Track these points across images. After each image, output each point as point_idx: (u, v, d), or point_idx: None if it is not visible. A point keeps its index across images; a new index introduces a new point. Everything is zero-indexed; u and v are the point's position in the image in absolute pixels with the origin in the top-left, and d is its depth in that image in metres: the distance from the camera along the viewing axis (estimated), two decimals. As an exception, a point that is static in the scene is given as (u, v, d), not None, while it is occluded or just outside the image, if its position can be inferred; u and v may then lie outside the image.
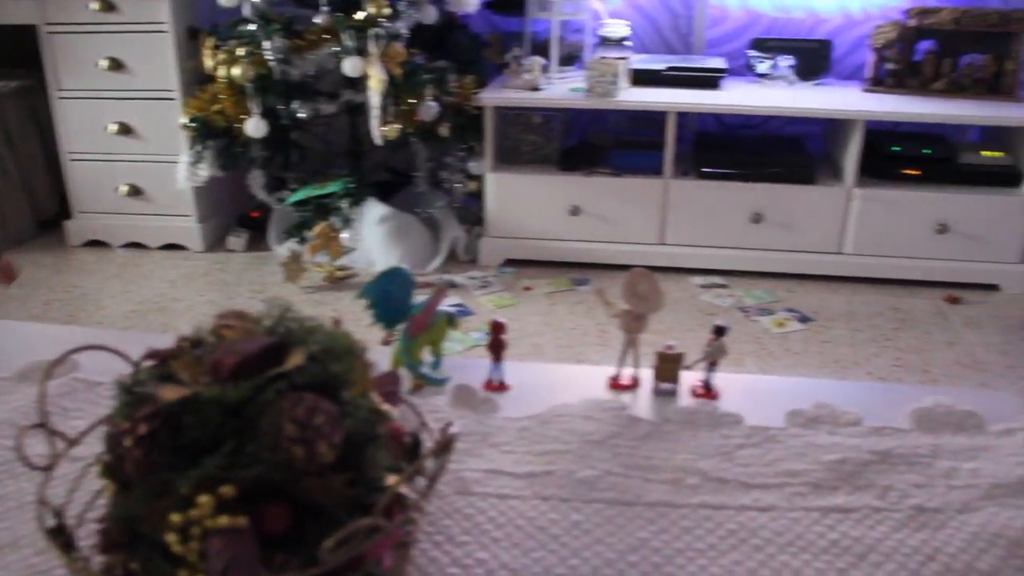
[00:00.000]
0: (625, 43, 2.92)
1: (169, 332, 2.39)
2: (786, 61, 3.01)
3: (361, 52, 2.57)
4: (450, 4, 2.85)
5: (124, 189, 2.99)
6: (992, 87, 2.89)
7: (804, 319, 2.57)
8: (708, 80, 2.91)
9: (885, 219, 2.76)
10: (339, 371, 0.73)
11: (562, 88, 2.85)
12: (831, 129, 3.06)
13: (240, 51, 2.63)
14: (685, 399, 1.12)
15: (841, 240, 2.80)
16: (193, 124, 2.73)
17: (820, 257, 2.82)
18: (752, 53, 3.08)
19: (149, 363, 0.78)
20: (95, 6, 2.76)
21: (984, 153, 2.81)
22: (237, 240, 3.06)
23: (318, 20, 2.67)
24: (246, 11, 2.71)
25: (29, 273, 2.84)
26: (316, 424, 0.68)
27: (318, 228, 2.70)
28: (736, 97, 2.83)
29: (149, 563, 0.67)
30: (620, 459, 0.98)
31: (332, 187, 2.77)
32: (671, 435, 1.04)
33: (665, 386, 1.13)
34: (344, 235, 2.71)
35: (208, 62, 2.73)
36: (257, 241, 3.07)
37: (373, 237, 2.80)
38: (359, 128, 2.94)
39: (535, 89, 2.80)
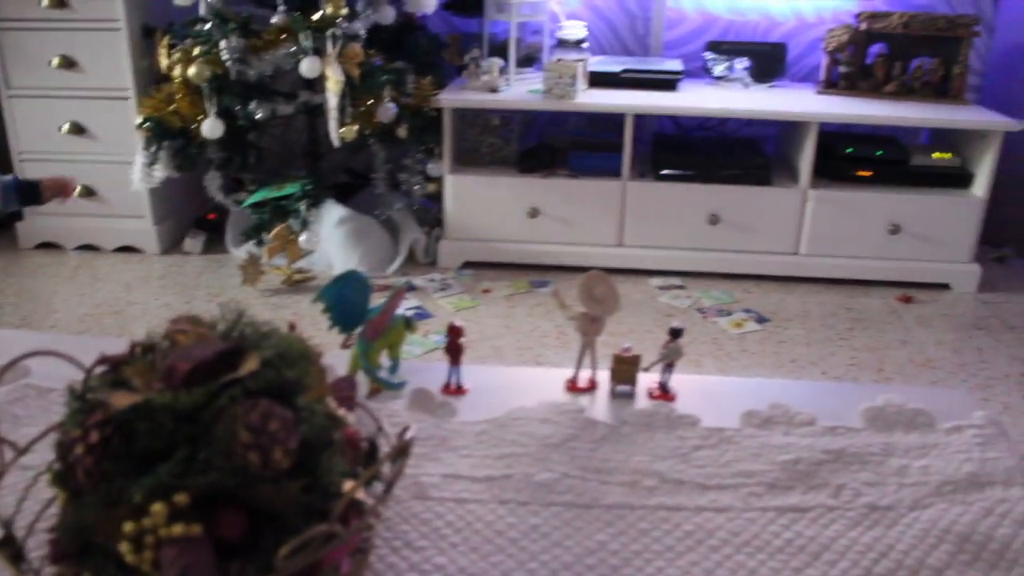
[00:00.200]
0: (583, 45, 2.94)
1: (124, 336, 2.36)
2: (742, 63, 3.04)
3: (318, 52, 2.55)
4: (408, 5, 2.84)
5: (78, 190, 2.93)
6: (940, 90, 2.95)
7: (761, 319, 2.60)
8: (665, 82, 2.93)
9: (839, 220, 2.81)
10: (294, 376, 0.73)
11: (520, 90, 2.85)
12: (786, 131, 3.10)
13: (196, 50, 2.60)
14: (642, 401, 1.12)
15: (797, 241, 2.84)
16: (148, 124, 2.69)
17: (776, 258, 2.86)
18: (708, 55, 3.11)
19: (101, 369, 0.77)
20: (46, 2, 2.71)
21: (935, 155, 2.87)
22: (194, 242, 3.02)
23: (275, 20, 2.64)
24: (202, 10, 2.68)
25: (-22, 276, 2.78)
26: (271, 430, 0.67)
27: (276, 230, 2.68)
28: (693, 99, 2.85)
29: (101, 573, 0.66)
30: (578, 462, 0.99)
31: (290, 189, 2.74)
32: (628, 437, 1.04)
33: (622, 388, 1.13)
34: (302, 237, 2.69)
35: (163, 61, 2.69)
36: (214, 243, 3.04)
37: (331, 239, 2.78)
38: (317, 129, 2.92)
39: (493, 91, 2.81)
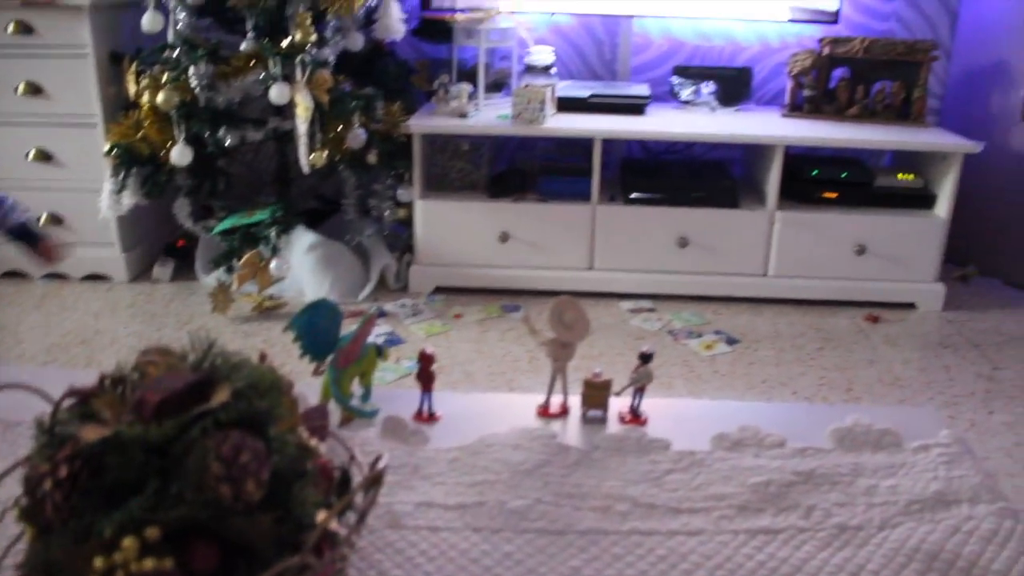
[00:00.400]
0: (551, 70, 2.96)
1: (92, 366, 2.34)
2: (708, 88, 3.08)
3: (288, 79, 2.56)
4: (377, 31, 2.85)
5: (44, 218, 2.91)
6: (902, 113, 3.01)
7: (731, 341, 2.62)
8: (633, 107, 2.96)
9: (806, 241, 2.84)
10: (265, 407, 0.73)
11: (489, 115, 2.87)
12: (752, 154, 3.14)
13: (164, 77, 2.59)
14: (614, 426, 1.13)
15: (765, 262, 2.87)
16: (116, 151, 2.67)
17: (745, 279, 2.89)
18: (675, 80, 3.15)
19: (69, 402, 0.76)
20: (11, 28, 2.69)
21: (898, 176, 2.91)
22: (163, 270, 3.00)
23: (244, 47, 2.64)
24: (170, 37, 2.68)
25: (-58, 306, 2.74)
26: (243, 462, 0.67)
27: (246, 257, 2.67)
28: (660, 123, 2.88)
29: (70, 610, 0.66)
30: (550, 488, 0.99)
31: (260, 215, 2.73)
32: (600, 462, 1.05)
33: (593, 413, 1.14)
34: (272, 264, 2.68)
35: (131, 88, 2.68)
36: (184, 271, 3.01)
37: (302, 266, 2.77)
38: (286, 155, 2.92)
39: (463, 116, 2.82)
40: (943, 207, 2.82)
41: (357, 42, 2.78)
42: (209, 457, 0.66)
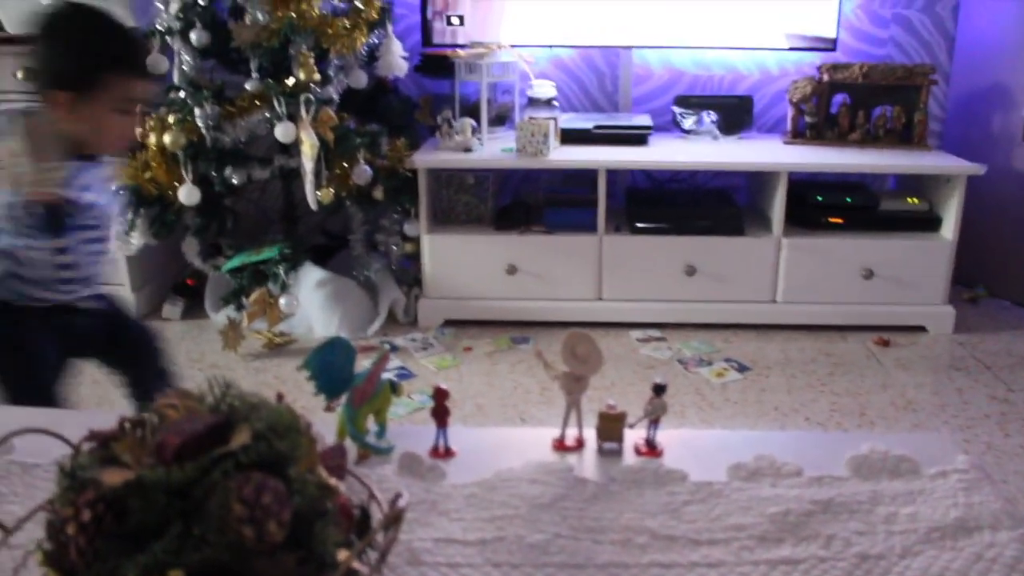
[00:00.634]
0: (553, 103, 2.98)
1: (104, 405, 2.33)
2: (710, 117, 3.10)
3: (292, 118, 2.58)
4: (380, 68, 2.88)
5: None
6: (903, 137, 3.02)
7: (742, 368, 2.61)
8: (636, 137, 2.98)
9: (813, 267, 2.84)
10: (285, 448, 0.73)
11: (493, 149, 2.89)
12: (756, 181, 3.16)
13: (171, 118, 2.62)
14: (629, 457, 1.13)
15: (773, 289, 2.87)
16: (124, 192, 2.69)
17: (754, 306, 2.89)
18: (677, 110, 3.17)
19: (89, 445, 0.77)
20: (21, 74, 2.72)
21: (903, 200, 2.92)
22: (173, 308, 3.01)
23: (249, 87, 2.67)
24: (176, 78, 2.71)
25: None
26: (264, 503, 0.67)
27: (255, 294, 2.68)
28: (664, 153, 2.90)
29: (95, 656, 0.65)
30: (569, 522, 0.99)
31: (268, 253, 2.75)
32: (618, 495, 1.04)
33: (609, 445, 1.14)
34: (282, 301, 2.69)
35: (138, 129, 2.71)
36: (194, 309, 3.02)
37: (311, 302, 2.78)
38: (293, 193, 2.94)
39: (467, 150, 2.84)
40: (949, 229, 2.83)
41: (360, 79, 2.81)
42: (231, 499, 0.67)
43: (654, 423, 1.14)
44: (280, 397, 0.84)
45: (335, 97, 2.73)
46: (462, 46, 3.00)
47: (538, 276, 2.86)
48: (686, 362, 2.65)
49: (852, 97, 3.07)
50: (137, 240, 2.74)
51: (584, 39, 3.14)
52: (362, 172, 2.71)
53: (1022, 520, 1.02)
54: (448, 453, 1.11)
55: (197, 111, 2.60)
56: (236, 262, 2.76)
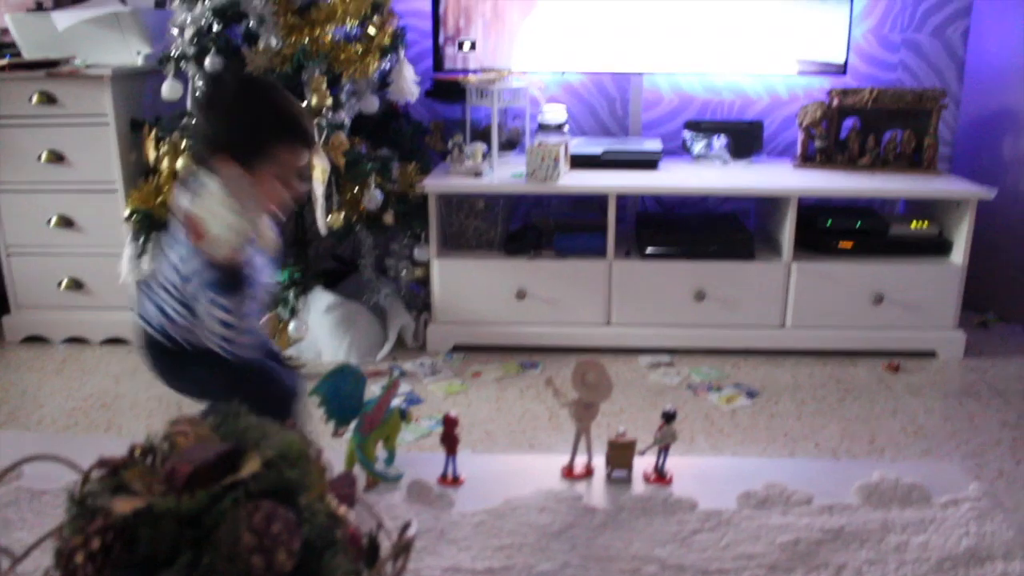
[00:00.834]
0: (563, 128, 2.99)
1: (113, 430, 2.34)
2: (720, 141, 3.11)
3: (305, 143, 2.59)
4: (391, 94, 2.90)
5: (65, 283, 2.94)
6: (913, 161, 3.02)
7: (751, 394, 2.60)
8: (646, 162, 2.99)
9: (823, 292, 2.84)
10: (295, 476, 0.73)
11: (504, 173, 2.90)
12: (766, 205, 3.16)
13: (183, 143, 2.64)
14: (639, 485, 1.13)
15: (783, 314, 2.87)
16: (136, 216, 2.71)
17: (763, 332, 2.88)
18: (687, 134, 3.18)
19: (99, 472, 0.77)
20: (36, 99, 2.76)
21: (913, 224, 2.92)
22: (181, 332, 3.02)
23: (261, 112, 2.69)
24: (189, 104, 2.73)
25: (-36, 373, 2.76)
26: (274, 532, 0.67)
27: (264, 319, 2.68)
28: (674, 178, 2.90)
29: None
30: (578, 550, 0.98)
31: (278, 277, 2.76)
32: (627, 523, 1.04)
33: (618, 473, 1.14)
34: (291, 325, 2.69)
35: (151, 154, 2.73)
36: (202, 332, 3.03)
37: (320, 326, 2.78)
38: (304, 217, 2.95)
39: (477, 175, 2.85)
40: (959, 254, 2.82)
41: (372, 105, 2.83)
42: (241, 528, 0.67)
43: (664, 451, 1.14)
44: (291, 424, 0.85)
45: (347, 122, 2.74)
46: (473, 71, 3.02)
47: (547, 301, 2.86)
48: (695, 387, 2.64)
49: (862, 121, 3.07)
50: (148, 264, 2.75)
51: (594, 65, 3.16)
52: (373, 197, 2.72)
53: (1035, 551, 1.01)
54: (457, 481, 1.12)
55: (209, 136, 2.62)
56: (246, 286, 2.77)
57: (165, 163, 2.67)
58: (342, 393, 1.05)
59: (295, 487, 0.72)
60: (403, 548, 0.74)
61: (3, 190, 2.88)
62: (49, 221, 2.89)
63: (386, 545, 0.83)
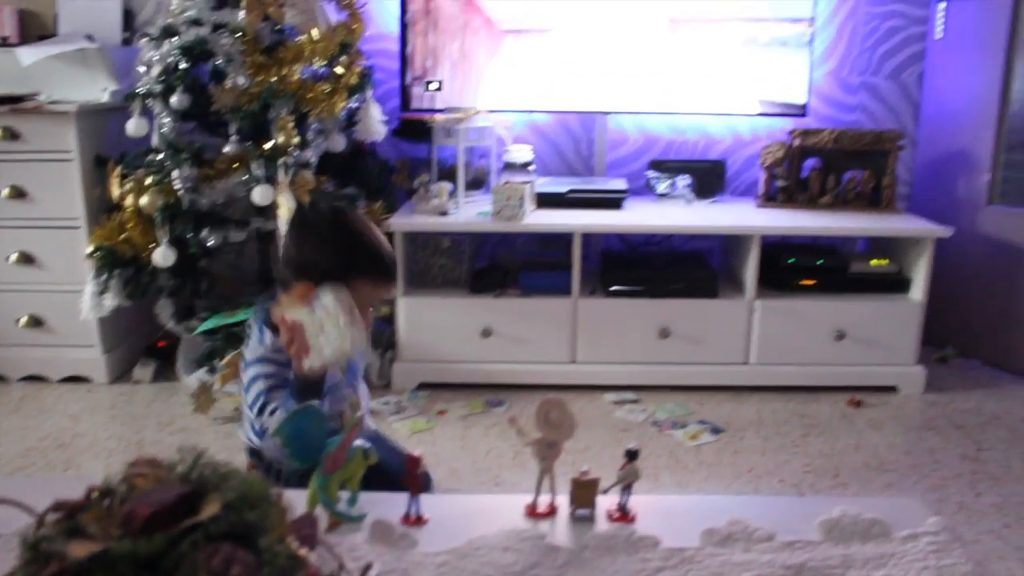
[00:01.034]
0: (529, 167, 3.02)
1: (71, 469, 2.30)
2: (684, 181, 3.15)
3: (271, 181, 2.60)
4: (358, 133, 2.91)
5: (25, 320, 2.90)
6: (873, 200, 3.09)
7: (716, 430, 2.62)
8: (611, 201, 3.02)
9: (786, 328, 2.87)
10: (255, 518, 0.72)
11: (470, 212, 2.91)
12: (729, 244, 3.20)
13: (148, 180, 2.62)
14: (602, 524, 1.13)
15: (746, 351, 2.89)
16: (99, 253, 2.68)
17: (727, 368, 2.90)
18: (651, 174, 3.22)
19: (54, 516, 0.76)
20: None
21: (873, 262, 2.97)
22: (144, 371, 2.98)
23: (227, 149, 2.69)
24: (155, 140, 2.72)
25: (-81, 413, 2.70)
26: (233, 575, 0.67)
27: (229, 357, 2.66)
28: (638, 216, 2.94)
29: None
30: (541, 589, 0.98)
31: (242, 315, 2.73)
32: (590, 562, 1.04)
33: (582, 512, 1.14)
34: (255, 362, 2.67)
35: (115, 190, 2.71)
36: (165, 371, 3.00)
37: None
38: (269, 255, 2.94)
39: (443, 214, 2.86)
40: (918, 291, 2.87)
41: (339, 143, 2.84)
42: (199, 570, 0.66)
43: (627, 489, 1.14)
44: (251, 467, 0.84)
45: (313, 160, 2.75)
46: (440, 111, 3.04)
47: (513, 339, 2.87)
48: (660, 424, 2.65)
49: (823, 161, 3.13)
50: (110, 302, 2.72)
51: (560, 105, 3.20)
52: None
53: (991, 586, 1.02)
54: (420, 521, 1.11)
55: (175, 173, 2.61)
56: (210, 324, 2.75)
57: (129, 200, 2.65)
58: (305, 434, 1.04)
59: (255, 529, 0.72)
60: (364, 590, 0.73)
61: (-37, 227, 2.85)
62: (8, 258, 2.85)
63: (347, 587, 0.82)
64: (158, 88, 2.68)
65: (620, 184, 3.11)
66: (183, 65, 2.70)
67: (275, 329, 1.61)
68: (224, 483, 0.75)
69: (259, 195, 2.58)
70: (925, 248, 2.84)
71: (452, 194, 2.93)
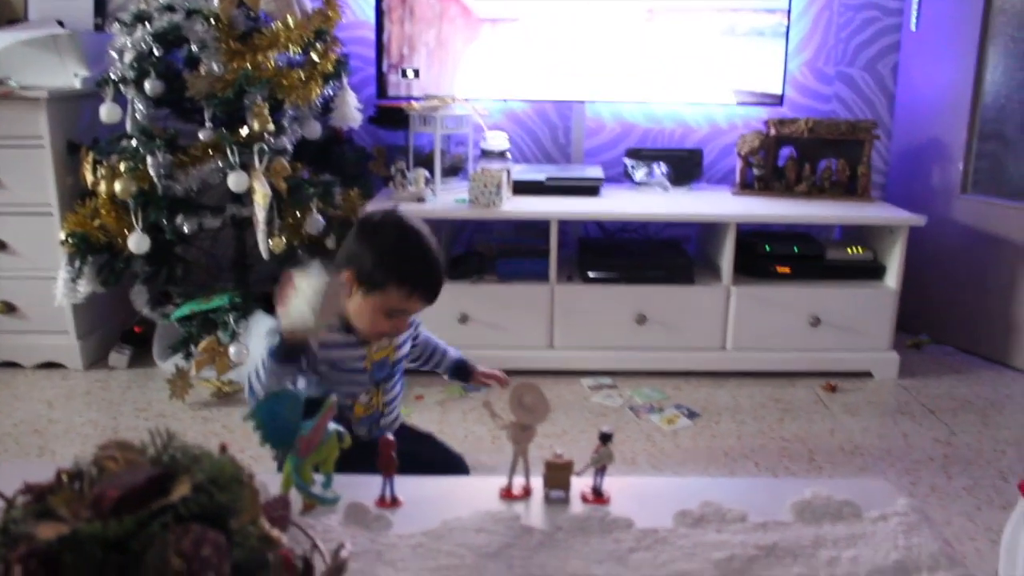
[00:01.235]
0: (506, 155, 3.02)
1: (46, 456, 2.29)
2: (660, 169, 3.16)
3: (245, 167, 2.58)
4: (334, 119, 2.90)
5: (-2, 308, 2.88)
6: (848, 189, 3.11)
7: (692, 415, 2.63)
8: (588, 188, 3.03)
9: (762, 315, 2.89)
10: (226, 500, 0.72)
11: (446, 199, 2.91)
12: (706, 231, 3.21)
13: (122, 166, 2.60)
14: (576, 505, 1.13)
15: (723, 336, 2.91)
16: (72, 239, 2.66)
17: (704, 354, 2.92)
18: (628, 162, 3.23)
19: (24, 498, 0.75)
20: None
21: (849, 249, 2.99)
22: (119, 357, 2.96)
23: (202, 136, 2.67)
24: (128, 127, 2.70)
25: None
26: (203, 556, 0.67)
27: (204, 343, 2.65)
28: (615, 204, 2.94)
29: None
30: (515, 570, 0.99)
31: (218, 301, 2.72)
32: (564, 543, 1.05)
33: (556, 494, 1.14)
34: (231, 349, 2.66)
35: (88, 177, 2.69)
36: (141, 357, 2.98)
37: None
38: (245, 241, 2.92)
39: (420, 201, 2.86)
40: (893, 278, 2.90)
41: (314, 130, 2.82)
42: (169, 552, 0.66)
43: (601, 471, 1.15)
44: (223, 448, 0.84)
45: (289, 147, 2.73)
46: (417, 98, 3.03)
47: (490, 325, 2.87)
48: (637, 409, 2.67)
49: (798, 150, 3.15)
50: (84, 288, 2.70)
51: (537, 93, 3.20)
52: (315, 222, 2.71)
53: (959, 561, 1.04)
54: (395, 503, 1.11)
55: (149, 159, 2.58)
56: (185, 310, 2.74)
57: (102, 186, 2.63)
58: (279, 417, 1.04)
59: (226, 510, 0.72)
60: (336, 569, 0.73)
61: (-67, 214, 2.81)
62: (-20, 245, 2.82)
63: (320, 567, 0.82)
64: (131, 74, 2.65)
65: (597, 172, 3.12)
66: (156, 52, 2.67)
67: None
68: (195, 465, 0.75)
69: (234, 182, 2.57)
70: (900, 236, 2.86)
71: (429, 181, 2.93)
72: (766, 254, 2.99)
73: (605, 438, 1.13)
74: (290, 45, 2.71)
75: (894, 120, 3.43)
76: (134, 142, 2.65)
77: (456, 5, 3.11)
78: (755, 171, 3.15)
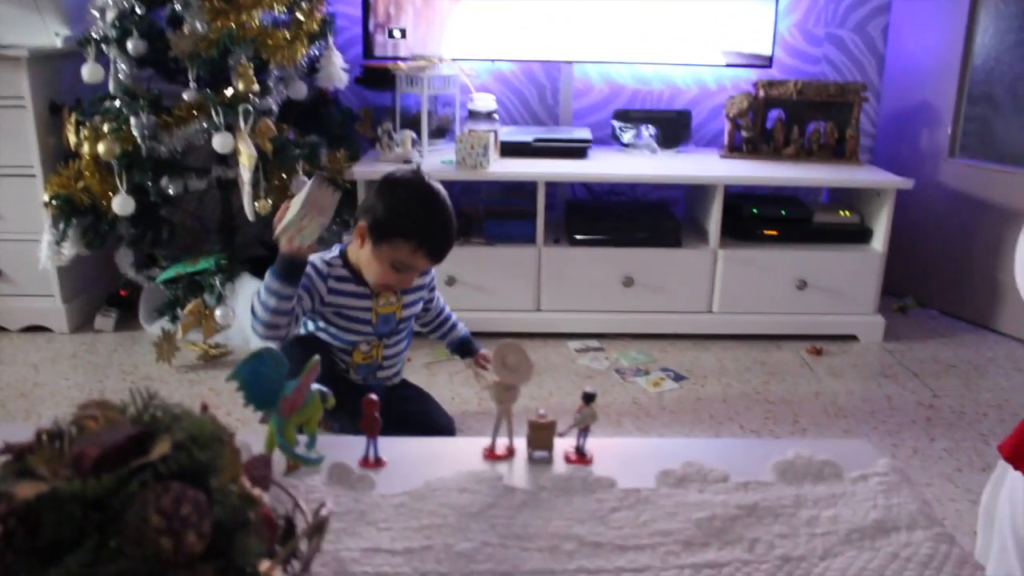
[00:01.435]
0: (493, 116, 3.00)
1: (32, 419, 2.29)
2: (648, 131, 3.14)
3: (230, 128, 2.56)
4: (320, 80, 2.87)
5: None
6: (836, 152, 3.10)
7: (678, 378, 2.65)
8: (575, 150, 3.01)
9: (749, 278, 2.89)
10: (206, 458, 0.72)
11: (433, 160, 2.89)
12: (693, 194, 3.21)
13: (106, 127, 2.57)
14: (559, 466, 1.14)
15: (709, 299, 2.92)
16: (56, 202, 2.64)
17: (690, 317, 2.93)
18: (616, 123, 3.21)
19: (3, 458, 0.75)
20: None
21: (836, 213, 2.99)
22: (105, 320, 2.95)
23: (186, 96, 2.64)
24: (111, 87, 2.67)
25: None
26: (183, 514, 0.67)
27: (190, 306, 2.64)
28: (603, 166, 2.93)
29: (6, 672, 0.64)
30: (497, 530, 0.99)
31: (204, 264, 2.71)
32: (546, 503, 1.05)
33: (539, 454, 1.15)
34: (217, 312, 2.65)
35: (71, 138, 2.66)
36: (127, 320, 2.97)
37: (248, 313, 2.74)
38: (231, 203, 2.91)
39: (407, 162, 2.84)
40: (879, 241, 2.90)
41: (300, 91, 2.80)
42: (149, 510, 0.66)
43: (584, 431, 1.15)
44: (204, 408, 0.84)
45: (274, 108, 2.71)
46: (403, 59, 3.00)
47: (477, 287, 2.87)
48: (623, 372, 2.68)
49: (787, 113, 3.14)
50: (68, 251, 2.68)
51: (525, 54, 3.17)
52: (301, 183, 2.69)
53: (937, 520, 1.05)
54: (378, 463, 1.12)
55: (133, 120, 2.56)
56: (171, 273, 2.72)
57: (86, 147, 2.60)
58: (262, 377, 1.04)
59: (206, 469, 0.72)
60: (317, 527, 0.74)
61: (-86, 175, 2.78)
62: (-37, 207, 2.80)
63: (302, 526, 0.83)
64: (113, 33, 2.62)
65: (585, 133, 3.10)
66: (139, 10, 2.64)
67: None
68: (175, 424, 0.75)
69: (219, 143, 2.54)
70: (887, 199, 2.86)
71: (415, 142, 2.91)
72: (753, 217, 2.99)
73: (588, 398, 1.14)
74: (275, 4, 2.68)
75: (883, 83, 3.42)
76: (117, 103, 2.62)
77: (443, -36, 3.07)
78: (743, 133, 3.14)
